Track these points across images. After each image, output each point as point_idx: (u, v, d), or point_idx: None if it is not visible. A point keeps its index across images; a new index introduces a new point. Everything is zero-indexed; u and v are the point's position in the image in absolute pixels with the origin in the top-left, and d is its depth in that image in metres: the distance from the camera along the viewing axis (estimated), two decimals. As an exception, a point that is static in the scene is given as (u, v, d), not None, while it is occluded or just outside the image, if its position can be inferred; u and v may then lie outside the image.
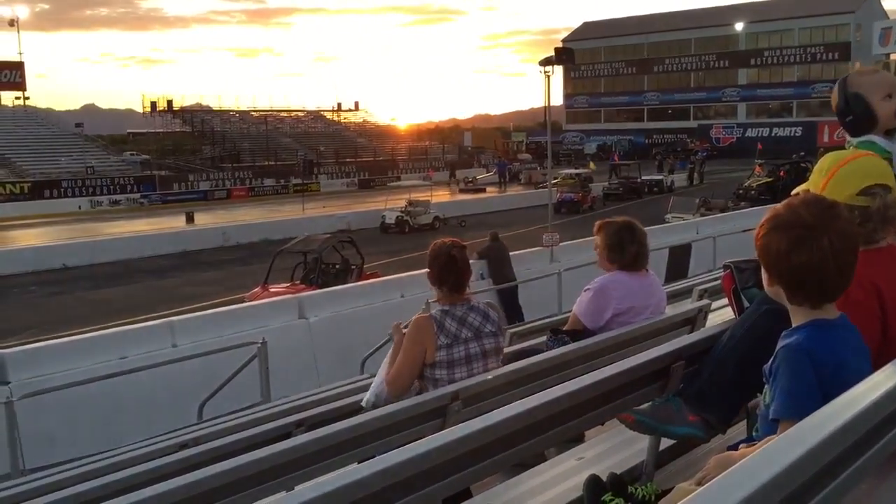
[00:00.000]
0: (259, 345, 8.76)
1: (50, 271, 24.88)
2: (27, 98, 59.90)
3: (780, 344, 1.77)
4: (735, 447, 1.90)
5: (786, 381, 1.70)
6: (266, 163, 60.41)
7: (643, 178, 44.55)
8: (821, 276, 1.68)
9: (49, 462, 6.63)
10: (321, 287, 15.55)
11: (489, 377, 3.31)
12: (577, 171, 44.20)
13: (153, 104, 66.35)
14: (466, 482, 2.29)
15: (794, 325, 1.78)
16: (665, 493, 2.02)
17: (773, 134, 74.11)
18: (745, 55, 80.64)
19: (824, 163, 2.18)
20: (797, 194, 1.89)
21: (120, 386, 8.94)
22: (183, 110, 69.10)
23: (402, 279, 13.56)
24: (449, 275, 3.46)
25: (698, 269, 15.35)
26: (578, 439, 3.16)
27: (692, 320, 4.31)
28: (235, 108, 74.29)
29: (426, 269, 3.59)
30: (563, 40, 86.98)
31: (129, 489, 2.58)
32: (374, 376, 3.71)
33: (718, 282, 4.62)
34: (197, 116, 69.34)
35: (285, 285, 17.14)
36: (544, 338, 4.19)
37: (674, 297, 8.15)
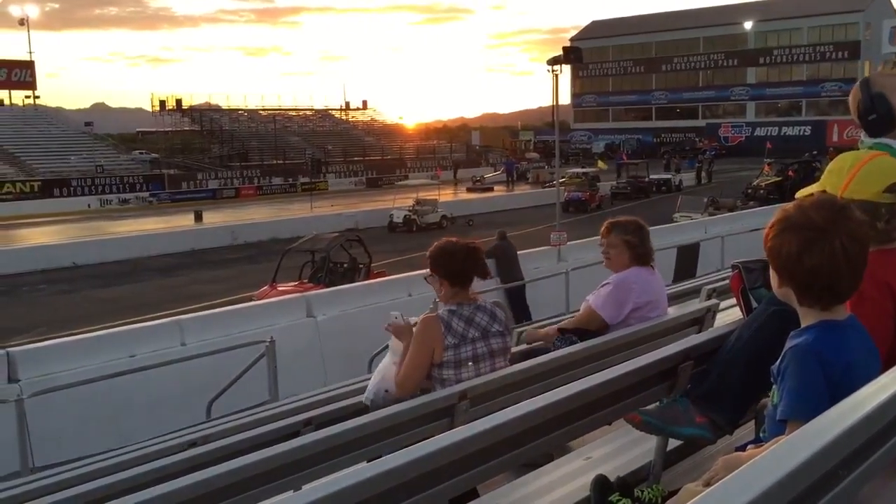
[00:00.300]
0: (267, 343, 8.78)
1: (59, 270, 24.96)
2: (37, 97, 60.35)
3: (789, 344, 1.76)
4: (743, 448, 1.90)
5: (794, 382, 1.69)
6: (274, 161, 60.54)
7: (651, 177, 44.48)
8: (833, 278, 1.68)
9: (58, 460, 6.65)
10: (329, 286, 15.57)
11: (497, 377, 3.30)
12: (584, 170, 44.14)
13: (162, 103, 66.52)
14: (474, 482, 2.29)
15: (802, 326, 1.77)
16: (672, 493, 2.02)
17: (781, 133, 73.84)
18: (753, 54, 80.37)
19: (843, 162, 2.17)
20: (805, 196, 1.88)
21: (128, 384, 8.96)
22: (192, 109, 69.28)
23: (410, 278, 13.55)
24: (471, 270, 3.46)
25: (706, 268, 15.31)
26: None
27: (700, 320, 4.30)
28: (244, 107, 74.50)
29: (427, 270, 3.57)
30: (572, 39, 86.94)
31: (137, 487, 2.59)
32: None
33: (727, 282, 4.61)
34: (206, 115, 69.54)
35: (293, 284, 17.16)
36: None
37: (682, 296, 8.13)
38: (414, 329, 3.44)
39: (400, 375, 3.40)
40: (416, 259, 21.21)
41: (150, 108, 69.05)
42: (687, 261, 16.25)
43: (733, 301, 2.81)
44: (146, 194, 47.24)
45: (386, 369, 3.57)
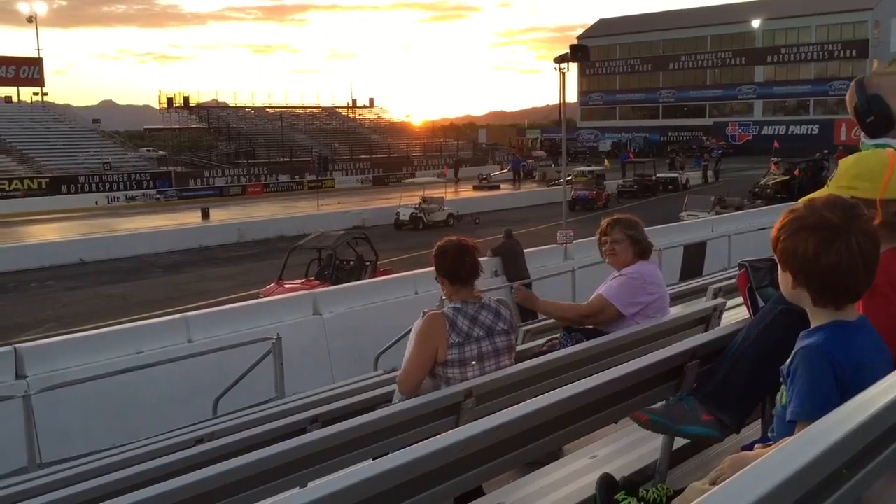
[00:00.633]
0: (273, 340, 8.81)
1: (66, 266, 25.04)
2: (45, 94, 60.32)
3: (799, 345, 1.75)
4: (749, 447, 1.89)
5: (804, 383, 1.69)
6: (281, 159, 60.54)
7: (658, 175, 44.38)
8: (849, 277, 1.67)
9: (65, 456, 6.68)
10: (335, 283, 15.60)
11: (502, 375, 3.30)
12: (591, 168, 44.07)
13: (170, 100, 66.58)
14: (479, 480, 2.29)
15: (813, 326, 1.76)
16: (678, 492, 2.01)
17: (789, 132, 73.59)
18: (761, 52, 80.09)
19: (866, 164, 2.15)
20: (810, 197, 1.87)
21: (135, 381, 9.00)
22: (199, 106, 69.30)
23: (416, 276, 13.57)
24: (460, 268, 3.45)
25: (713, 267, 15.29)
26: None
27: (707, 319, 4.30)
28: (251, 105, 74.54)
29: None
30: (579, 37, 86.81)
31: (143, 484, 2.59)
32: (389, 372, 3.71)
33: (733, 280, 4.61)
34: (213, 113, 69.59)
35: (300, 281, 17.20)
36: (558, 335, 4.20)
37: (688, 295, 8.14)
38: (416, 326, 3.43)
39: (402, 373, 3.40)
40: (422, 257, 21.22)
41: (157, 106, 69.28)
42: (693, 259, 16.25)
43: (740, 300, 2.80)
44: (153, 191, 47.31)
45: None
